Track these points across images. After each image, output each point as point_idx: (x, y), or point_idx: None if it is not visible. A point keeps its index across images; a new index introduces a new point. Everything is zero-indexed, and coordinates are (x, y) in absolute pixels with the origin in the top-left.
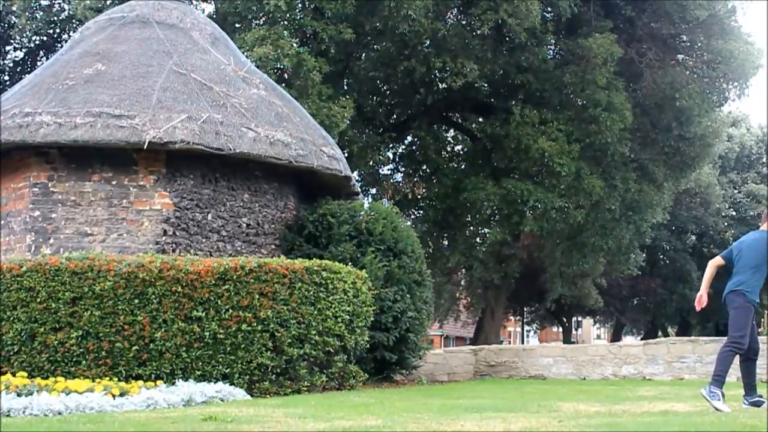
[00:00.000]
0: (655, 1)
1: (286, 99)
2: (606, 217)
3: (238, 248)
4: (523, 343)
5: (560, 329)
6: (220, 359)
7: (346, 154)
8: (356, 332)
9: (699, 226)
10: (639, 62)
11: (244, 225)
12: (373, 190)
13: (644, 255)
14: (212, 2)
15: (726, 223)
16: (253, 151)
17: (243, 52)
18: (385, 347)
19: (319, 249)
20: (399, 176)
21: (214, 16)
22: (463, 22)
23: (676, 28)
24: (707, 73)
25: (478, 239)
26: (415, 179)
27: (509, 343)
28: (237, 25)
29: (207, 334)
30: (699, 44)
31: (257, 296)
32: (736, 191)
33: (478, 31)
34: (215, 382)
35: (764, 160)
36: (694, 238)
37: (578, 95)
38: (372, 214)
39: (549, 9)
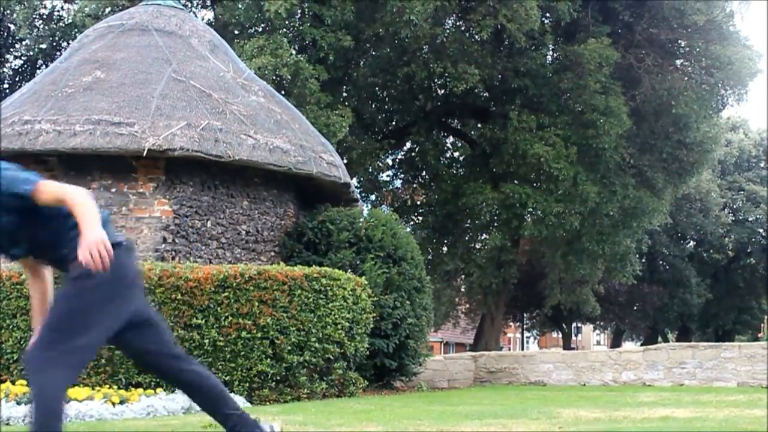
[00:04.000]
0: (654, 6)
1: (285, 106)
2: (604, 223)
3: (238, 255)
4: (522, 349)
5: (560, 335)
6: (220, 367)
7: (345, 161)
8: (356, 339)
9: (698, 232)
10: (637, 68)
11: (244, 232)
12: (373, 197)
13: (644, 261)
14: (212, 9)
15: (725, 229)
16: (252, 158)
17: (242, 62)
18: (384, 354)
19: (318, 256)
20: (398, 182)
21: (213, 24)
22: (462, 28)
23: (675, 33)
24: (705, 78)
25: (477, 245)
26: (414, 185)
27: (509, 349)
28: (236, 33)
29: (207, 341)
30: (697, 49)
31: (257, 303)
32: (735, 195)
33: (477, 37)
34: None
35: (763, 164)
36: (693, 243)
37: (576, 100)
38: (371, 220)
39: (548, 14)
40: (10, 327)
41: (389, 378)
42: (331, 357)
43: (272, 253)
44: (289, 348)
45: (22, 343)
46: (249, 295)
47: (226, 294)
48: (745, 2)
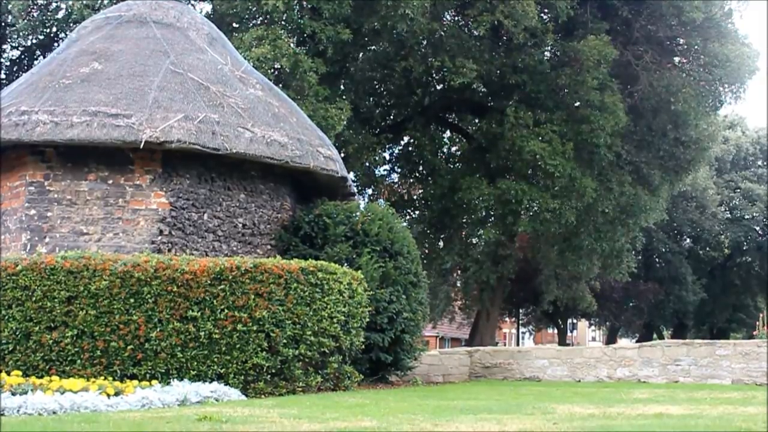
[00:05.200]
0: (652, 3)
1: (283, 99)
2: (599, 220)
3: (234, 248)
4: (518, 344)
5: (556, 331)
6: (216, 359)
7: (342, 155)
8: (351, 333)
9: (695, 229)
10: (635, 65)
11: (240, 225)
12: (369, 191)
13: (639, 258)
14: (210, 2)
15: (721, 227)
16: (250, 152)
17: (241, 53)
18: (380, 348)
19: (315, 250)
20: (395, 177)
21: (212, 16)
22: (461, 23)
23: (673, 30)
24: (703, 76)
25: (473, 240)
26: (411, 180)
27: (504, 344)
28: (235, 25)
29: (202, 334)
30: (695, 47)
31: (253, 296)
32: (731, 193)
33: (475, 32)
34: (210, 382)
35: (760, 162)
36: (689, 240)
37: (573, 96)
38: (368, 215)
39: (546, 10)
40: (6, 317)
41: (384, 372)
42: (327, 351)
43: (269, 247)
44: (285, 341)
45: (17, 333)
46: (245, 287)
47: (222, 287)
48: (744, 1)
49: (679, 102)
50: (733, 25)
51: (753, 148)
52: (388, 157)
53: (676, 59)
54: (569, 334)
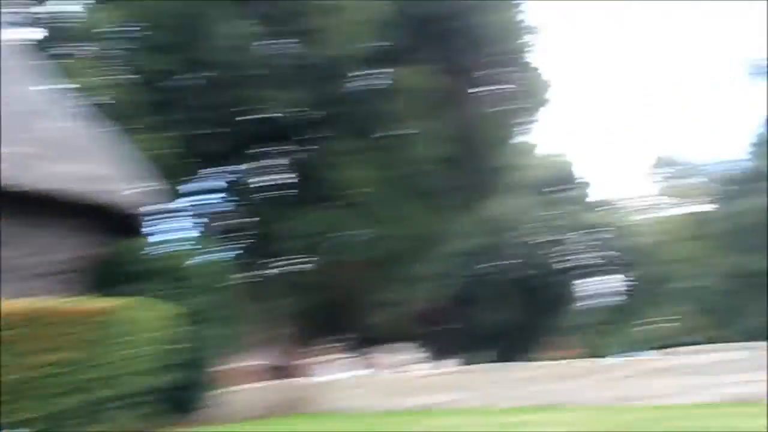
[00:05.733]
0: (461, 34)
1: (96, 130)
2: (416, 246)
3: (47, 287)
4: (331, 374)
5: (373, 358)
6: (23, 405)
7: (163, 186)
8: (160, 371)
9: (509, 251)
10: (449, 94)
11: (54, 263)
12: (189, 222)
13: (456, 281)
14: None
15: (534, 247)
16: (59, 187)
17: (62, 82)
18: (185, 386)
19: (130, 286)
20: (216, 207)
21: (42, 42)
22: (274, 53)
23: (478, 62)
24: (505, 104)
25: (291, 269)
26: (232, 209)
27: (316, 375)
28: (63, 52)
29: (10, 378)
30: (499, 77)
31: (62, 338)
32: (546, 214)
33: (290, 62)
34: (16, 428)
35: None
36: (503, 261)
37: (388, 126)
38: (180, 249)
39: (364, 40)
40: None
41: (192, 408)
42: (137, 390)
43: (82, 285)
44: (96, 383)
45: None
46: (54, 329)
47: (30, 328)
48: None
49: (484, 129)
50: (529, 58)
51: (546, 174)
52: (209, 187)
53: (483, 88)
54: (388, 359)
